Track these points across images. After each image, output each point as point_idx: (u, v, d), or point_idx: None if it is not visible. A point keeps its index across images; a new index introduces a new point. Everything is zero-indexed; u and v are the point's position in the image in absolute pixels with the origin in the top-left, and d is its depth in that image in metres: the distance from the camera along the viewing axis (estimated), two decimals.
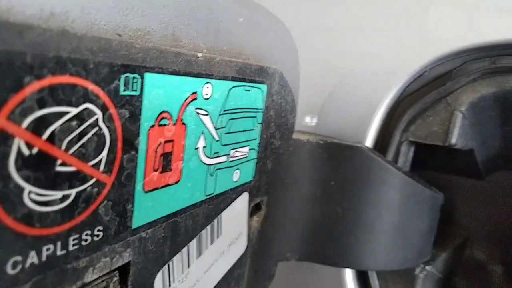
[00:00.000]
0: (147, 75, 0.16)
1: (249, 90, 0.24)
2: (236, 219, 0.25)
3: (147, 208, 0.17)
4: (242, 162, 0.25)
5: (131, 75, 0.15)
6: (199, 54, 0.19)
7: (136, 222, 0.17)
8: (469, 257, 0.52)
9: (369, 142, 0.39)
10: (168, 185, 0.18)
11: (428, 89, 0.36)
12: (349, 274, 0.39)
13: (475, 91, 0.34)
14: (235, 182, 0.24)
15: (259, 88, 0.25)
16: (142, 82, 0.16)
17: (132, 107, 0.15)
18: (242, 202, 0.26)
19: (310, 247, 0.34)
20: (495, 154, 0.46)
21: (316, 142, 0.33)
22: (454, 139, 0.35)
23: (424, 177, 0.41)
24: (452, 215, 0.53)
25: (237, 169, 0.24)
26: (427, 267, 0.39)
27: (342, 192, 0.33)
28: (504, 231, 0.50)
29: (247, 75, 0.24)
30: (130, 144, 0.16)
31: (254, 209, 0.28)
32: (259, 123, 0.26)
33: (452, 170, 0.52)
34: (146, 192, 0.17)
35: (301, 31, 0.41)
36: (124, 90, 0.15)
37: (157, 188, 0.17)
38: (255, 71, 0.25)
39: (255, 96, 0.25)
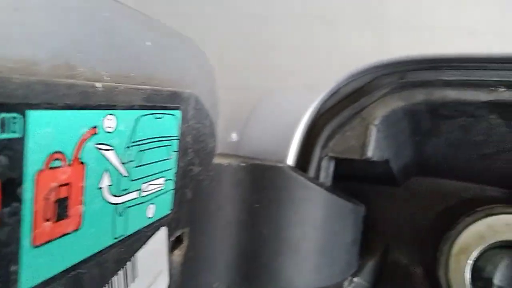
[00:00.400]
0: (31, 113, 0.14)
1: (160, 118, 0.22)
2: (154, 257, 0.23)
3: (39, 266, 0.15)
4: (158, 195, 0.23)
5: (9, 115, 0.13)
6: (98, 84, 0.17)
7: (25, 285, 0.14)
8: (391, 262, 0.54)
9: (290, 159, 0.39)
10: (66, 234, 0.16)
11: (344, 104, 0.37)
12: None
13: (386, 105, 0.36)
14: (150, 218, 0.22)
15: (172, 114, 0.24)
16: (24, 122, 0.14)
17: (12, 152, 0.13)
18: (160, 238, 0.24)
19: (238, 274, 0.33)
20: (408, 162, 0.49)
21: (238, 164, 0.32)
22: (370, 152, 0.36)
23: (341, 188, 0.42)
24: (373, 223, 0.55)
25: (152, 203, 0.22)
26: (355, 279, 0.39)
27: (267, 214, 0.32)
28: (420, 233, 0.53)
29: (158, 101, 0.22)
30: (11, 195, 0.13)
31: (175, 243, 0.26)
32: (174, 151, 0.24)
33: (371, 180, 0.54)
34: (37, 247, 0.15)
35: (221, 49, 0.41)
36: (1, 133, 0.13)
37: (51, 240, 0.15)
38: (167, 97, 0.23)
39: (168, 123, 0.23)
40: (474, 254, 0.38)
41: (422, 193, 0.53)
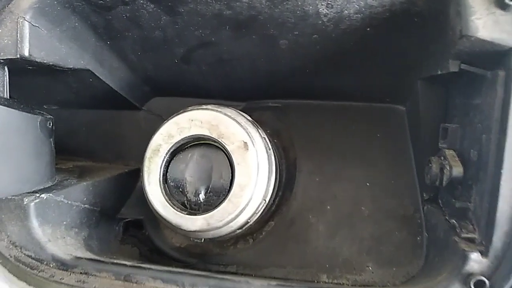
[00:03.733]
0: None
1: None
2: None
3: None
4: None
5: None
6: None
7: None
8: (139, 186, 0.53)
9: None
10: None
11: None
12: None
13: None
14: None
15: None
16: None
17: None
18: None
19: None
20: (131, 78, 0.47)
21: None
22: (26, 50, 0.33)
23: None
24: (122, 150, 0.53)
25: None
26: (43, 195, 0.36)
27: None
28: None
29: None
30: None
31: None
32: None
33: (108, 105, 0.51)
34: None
35: None
36: None
37: None
38: None
39: None
40: (163, 153, 0.38)
41: (164, 114, 0.53)
